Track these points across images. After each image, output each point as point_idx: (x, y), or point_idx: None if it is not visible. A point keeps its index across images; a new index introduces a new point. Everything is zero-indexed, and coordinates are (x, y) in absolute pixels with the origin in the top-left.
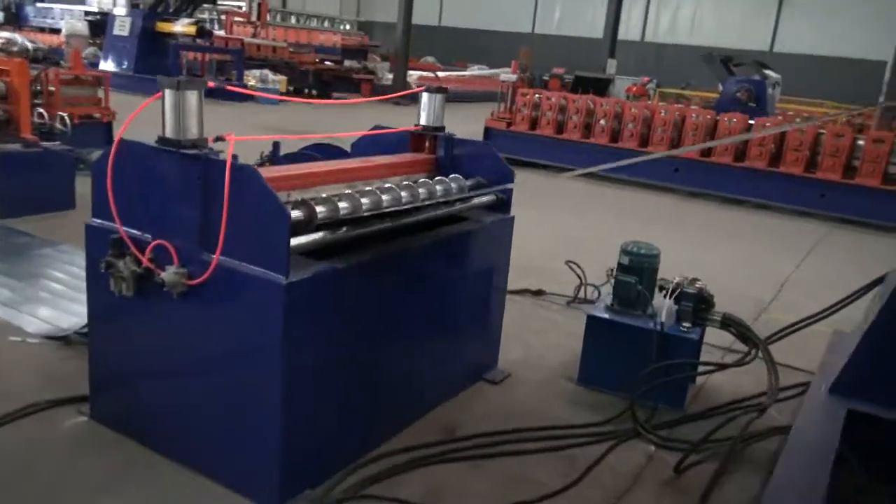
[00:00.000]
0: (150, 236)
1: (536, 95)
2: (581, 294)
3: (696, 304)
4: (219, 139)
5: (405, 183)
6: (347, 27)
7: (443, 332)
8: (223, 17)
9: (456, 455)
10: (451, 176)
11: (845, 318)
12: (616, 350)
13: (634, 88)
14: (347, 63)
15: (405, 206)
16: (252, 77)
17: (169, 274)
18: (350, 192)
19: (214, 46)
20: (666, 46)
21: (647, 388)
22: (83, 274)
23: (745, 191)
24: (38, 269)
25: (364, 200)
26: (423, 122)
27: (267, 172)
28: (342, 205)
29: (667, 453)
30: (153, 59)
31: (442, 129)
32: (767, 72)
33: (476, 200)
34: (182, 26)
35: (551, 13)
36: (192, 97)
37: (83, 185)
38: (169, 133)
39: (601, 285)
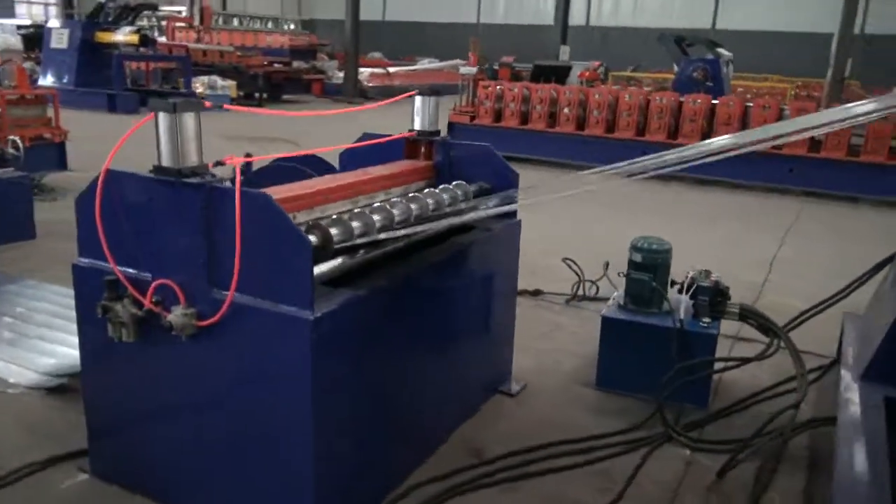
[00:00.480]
0: (149, 275)
1: (498, 87)
2: (580, 291)
3: (713, 298)
4: (218, 164)
5: (412, 195)
6: (292, 27)
7: (461, 347)
8: (163, 23)
9: (488, 480)
10: (455, 183)
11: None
12: (634, 351)
13: (587, 74)
14: (296, 64)
15: (417, 221)
16: (200, 84)
17: (177, 316)
18: (359, 209)
19: (159, 55)
20: (611, 30)
21: (664, 386)
22: (56, 310)
23: (715, 171)
24: (4, 307)
25: (376, 218)
26: (417, 126)
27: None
28: (355, 225)
29: (703, 456)
30: (95, 71)
31: (437, 133)
32: (720, 50)
33: (489, 211)
34: (124, 35)
35: (496, 2)
36: (190, 120)
37: (41, 213)
38: (166, 161)
39: (598, 280)
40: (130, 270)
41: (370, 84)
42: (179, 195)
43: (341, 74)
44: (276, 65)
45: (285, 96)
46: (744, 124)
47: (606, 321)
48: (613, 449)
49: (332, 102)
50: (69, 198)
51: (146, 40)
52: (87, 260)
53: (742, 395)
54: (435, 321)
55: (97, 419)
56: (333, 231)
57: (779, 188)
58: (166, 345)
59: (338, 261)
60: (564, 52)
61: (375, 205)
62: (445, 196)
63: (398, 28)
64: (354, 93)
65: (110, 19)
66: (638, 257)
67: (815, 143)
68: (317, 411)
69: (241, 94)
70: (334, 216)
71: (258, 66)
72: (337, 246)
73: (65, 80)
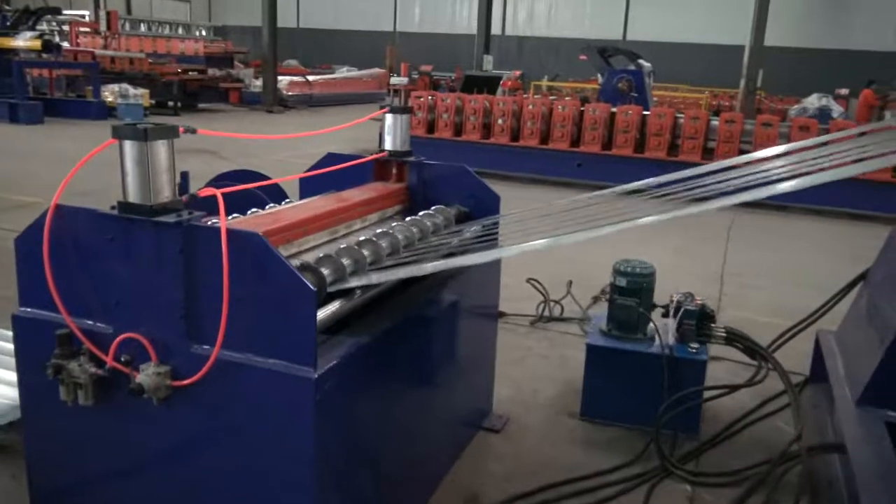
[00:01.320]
0: (111, 328)
1: (430, 98)
2: (546, 312)
3: (700, 321)
4: (193, 198)
5: (396, 224)
6: (203, 33)
7: (451, 384)
8: (66, 28)
9: None
10: (435, 208)
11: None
12: (621, 379)
13: (509, 83)
14: (212, 71)
15: (407, 252)
16: (110, 92)
17: (148, 375)
18: (345, 245)
19: (63, 62)
20: (526, 39)
21: (660, 417)
22: None
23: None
24: None
25: (366, 253)
26: (388, 146)
27: (239, 224)
28: (346, 262)
29: (705, 491)
30: None
31: (410, 153)
32: (641, 61)
33: (469, 236)
34: (25, 41)
35: (412, 11)
36: (162, 149)
37: None
38: (134, 196)
39: (561, 299)
40: (87, 322)
41: (289, 93)
42: (152, 236)
43: (259, 83)
44: (191, 72)
45: (201, 105)
46: (674, 135)
47: (592, 349)
48: (615, 488)
49: (250, 111)
50: None
51: (49, 46)
52: (30, 310)
53: (729, 419)
54: (429, 360)
55: (42, 490)
56: (325, 271)
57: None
58: (134, 409)
59: (334, 305)
60: (488, 62)
61: (360, 238)
62: (429, 223)
63: (313, 35)
64: (274, 101)
65: (8, 24)
66: (622, 282)
67: (743, 153)
68: (318, 476)
69: (154, 102)
70: (321, 254)
71: (172, 73)
72: (330, 289)
73: None
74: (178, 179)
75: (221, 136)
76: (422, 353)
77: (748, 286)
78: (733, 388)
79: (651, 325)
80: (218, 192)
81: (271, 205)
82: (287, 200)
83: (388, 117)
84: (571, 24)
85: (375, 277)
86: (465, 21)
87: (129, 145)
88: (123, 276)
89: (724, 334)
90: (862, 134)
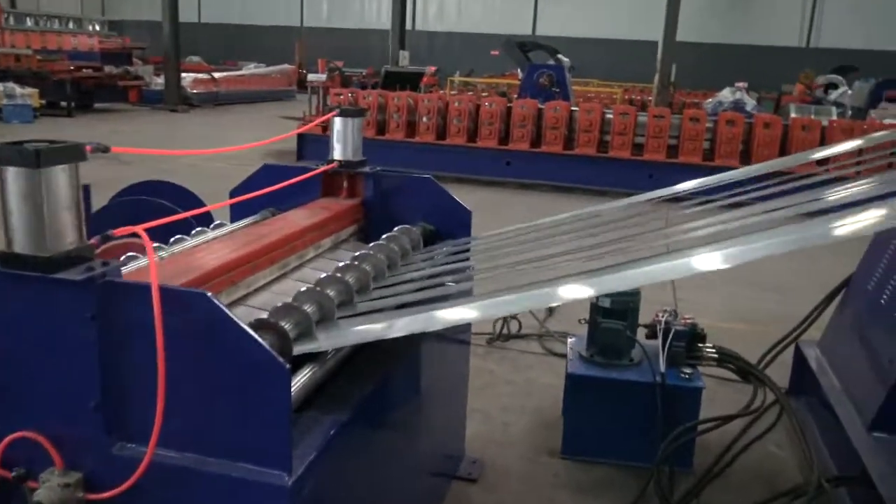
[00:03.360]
0: None
1: (350, 94)
2: (505, 329)
3: (690, 343)
4: (107, 239)
5: (361, 253)
6: (97, 28)
7: (428, 439)
8: None
9: None
10: (399, 228)
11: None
12: (608, 412)
13: (426, 79)
14: (108, 69)
15: (380, 290)
16: None
17: (51, 488)
18: (308, 287)
19: None
20: (436, 34)
21: (661, 455)
22: None
23: (575, 178)
24: None
25: (330, 293)
26: (338, 155)
27: (167, 266)
28: (309, 309)
29: None
30: None
31: (364, 163)
32: (560, 56)
33: (443, 265)
34: None
35: (319, 5)
36: (63, 177)
37: None
38: (21, 245)
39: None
40: None
41: (194, 90)
42: (50, 299)
43: (160, 80)
44: (85, 70)
45: (98, 105)
46: (602, 131)
47: (575, 380)
48: None
49: (152, 111)
50: None
51: None
52: None
53: (718, 446)
54: (408, 420)
55: None
56: (286, 325)
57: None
58: None
59: (304, 374)
60: (404, 58)
61: (322, 276)
62: (395, 247)
63: (216, 30)
64: (178, 100)
65: None
66: (606, 302)
67: (672, 150)
68: None
69: (45, 102)
70: (280, 303)
71: (64, 71)
72: (296, 349)
73: None
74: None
75: (136, 151)
76: (401, 415)
77: (703, 288)
78: (729, 419)
79: (643, 350)
80: (141, 230)
81: (197, 230)
82: (217, 223)
83: (338, 121)
84: (482, 19)
85: (352, 336)
86: (374, 15)
87: (11, 175)
88: (11, 352)
89: (715, 355)
90: None
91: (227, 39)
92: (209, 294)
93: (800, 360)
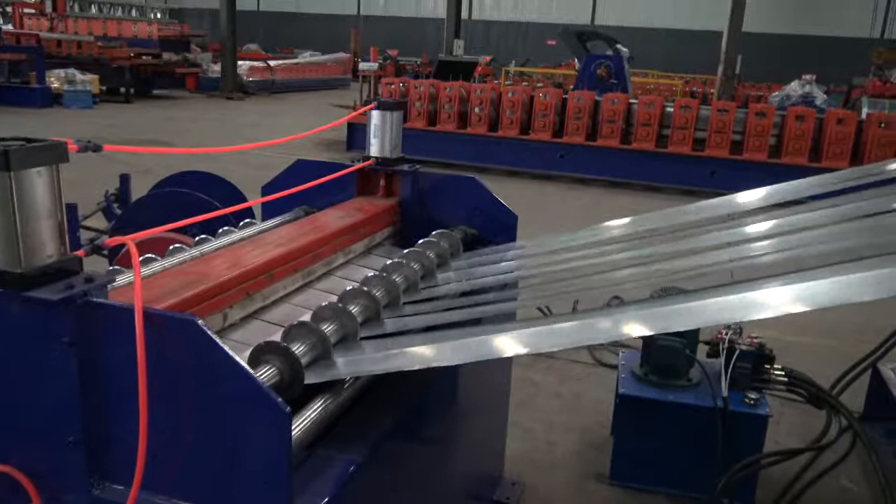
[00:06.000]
0: None
1: (402, 84)
2: None
3: (756, 365)
4: (96, 250)
5: (393, 261)
6: (158, 16)
7: (464, 463)
8: (9, 9)
9: None
10: (437, 233)
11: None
12: (662, 437)
13: (480, 69)
14: (167, 56)
15: (410, 305)
16: (56, 78)
17: None
18: (330, 302)
19: (4, 45)
20: (493, 23)
21: (720, 488)
22: None
23: (631, 173)
24: None
25: (353, 310)
26: (375, 152)
27: (177, 275)
28: (327, 329)
29: None
30: None
31: (402, 160)
32: (619, 47)
33: (483, 276)
34: None
35: None
36: (39, 182)
37: None
38: None
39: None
40: None
41: (250, 78)
42: (22, 319)
43: (217, 68)
44: (144, 57)
45: (156, 92)
46: (662, 125)
47: (626, 400)
48: None
49: (208, 98)
50: None
51: None
52: None
53: (783, 478)
54: (438, 448)
55: None
56: (299, 349)
57: (696, 190)
58: None
59: (315, 407)
60: (459, 47)
61: (347, 287)
62: (432, 255)
63: (274, 19)
64: (234, 87)
65: None
66: None
67: (736, 146)
68: None
69: (104, 89)
70: (298, 321)
71: (124, 58)
72: (309, 380)
73: None
74: (112, 190)
75: (131, 150)
76: (432, 445)
77: None
78: (802, 452)
79: (704, 371)
80: (129, 241)
81: (223, 229)
82: (246, 221)
83: (375, 115)
84: (539, 8)
85: (375, 365)
86: (430, 4)
87: None
88: None
89: (784, 379)
90: None
91: (283, 27)
92: (199, 321)
93: (878, 383)
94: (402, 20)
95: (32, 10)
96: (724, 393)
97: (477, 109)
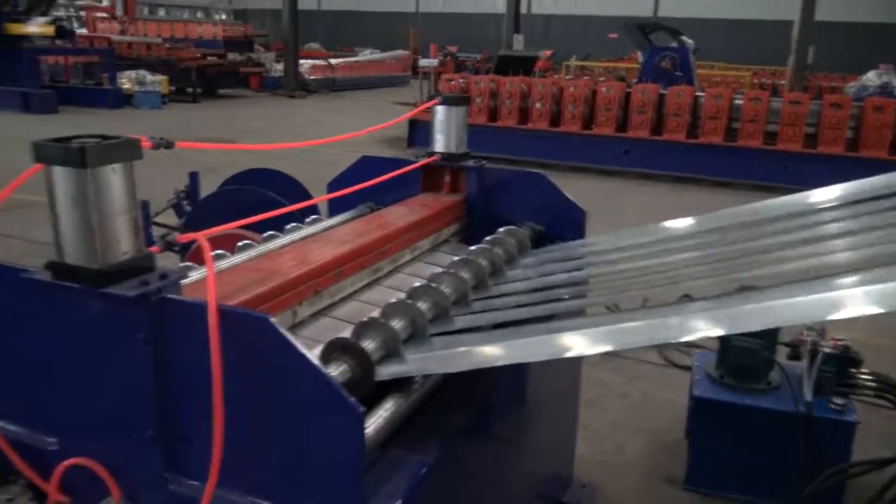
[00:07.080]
0: (55, 442)
1: (462, 80)
2: None
3: (842, 369)
4: (170, 247)
5: (461, 259)
6: (223, 17)
7: (535, 464)
8: (82, 13)
9: None
10: (506, 229)
11: None
12: (739, 442)
13: (540, 63)
14: (231, 56)
15: (480, 302)
16: (128, 79)
17: None
18: (399, 300)
19: (78, 48)
20: (553, 17)
21: (804, 497)
22: None
23: (699, 168)
24: None
25: (422, 306)
26: (440, 147)
27: (247, 272)
28: (399, 325)
29: None
30: (4, 67)
31: (467, 155)
32: (683, 38)
33: (553, 275)
34: (37, 27)
35: None
36: (115, 178)
37: None
38: (72, 255)
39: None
40: (16, 430)
41: (311, 77)
42: (100, 315)
43: (280, 67)
44: (209, 57)
45: (221, 91)
46: (730, 119)
47: (701, 403)
48: None
49: (271, 97)
50: None
51: (63, 32)
52: None
53: (871, 485)
54: (509, 448)
55: None
56: (371, 345)
57: (767, 186)
58: None
59: (387, 408)
60: (519, 42)
61: (416, 284)
62: (500, 252)
63: (335, 17)
64: (296, 86)
65: (20, 9)
66: None
67: (810, 139)
68: None
69: (173, 89)
70: (368, 317)
71: (191, 59)
72: (380, 376)
73: None
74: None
75: (200, 146)
76: (503, 444)
77: None
78: (893, 462)
79: (776, 370)
80: (201, 237)
81: (291, 225)
82: (313, 218)
83: (440, 111)
84: (600, 2)
85: (448, 362)
86: (489, 0)
87: (59, 175)
88: (62, 368)
89: (873, 384)
90: None
91: (343, 25)
92: (272, 318)
93: None
94: (461, 16)
95: (104, 14)
96: (808, 397)
97: (538, 104)
